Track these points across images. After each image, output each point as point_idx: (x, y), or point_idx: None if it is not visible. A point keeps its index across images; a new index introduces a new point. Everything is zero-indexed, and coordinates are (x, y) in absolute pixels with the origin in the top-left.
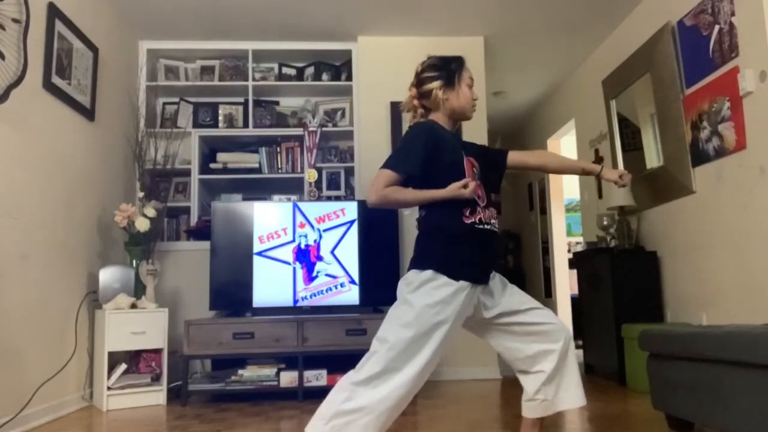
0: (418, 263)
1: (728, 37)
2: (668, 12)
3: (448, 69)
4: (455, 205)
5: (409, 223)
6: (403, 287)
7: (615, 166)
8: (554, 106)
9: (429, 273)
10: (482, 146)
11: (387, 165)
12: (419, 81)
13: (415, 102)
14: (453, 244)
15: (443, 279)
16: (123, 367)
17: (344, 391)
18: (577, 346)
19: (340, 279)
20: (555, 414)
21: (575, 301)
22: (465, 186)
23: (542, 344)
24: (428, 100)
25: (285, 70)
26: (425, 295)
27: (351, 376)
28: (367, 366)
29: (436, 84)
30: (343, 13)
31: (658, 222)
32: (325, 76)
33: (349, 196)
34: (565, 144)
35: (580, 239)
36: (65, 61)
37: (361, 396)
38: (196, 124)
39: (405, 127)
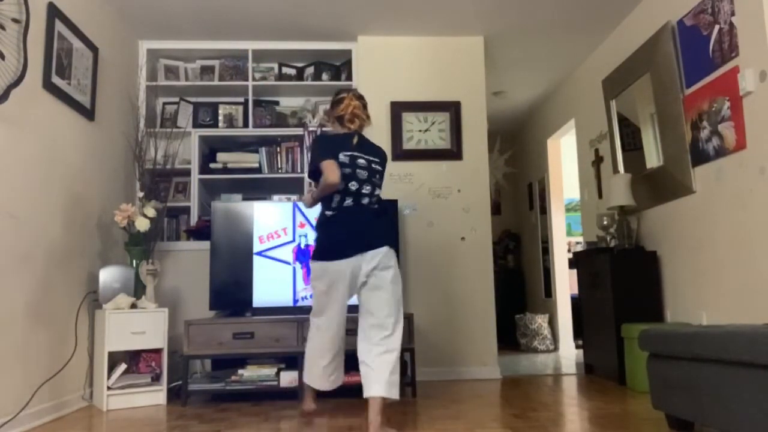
0: (393, 243)
1: (728, 36)
2: (668, 12)
3: None
4: None
5: (409, 223)
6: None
7: (615, 165)
8: (554, 106)
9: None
10: None
11: None
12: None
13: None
14: None
15: None
16: (123, 367)
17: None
18: (577, 346)
19: None
20: (555, 414)
21: (575, 301)
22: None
23: None
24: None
25: (285, 70)
26: None
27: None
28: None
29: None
30: (343, 13)
31: (658, 222)
32: (325, 76)
33: None
34: (565, 144)
35: (580, 239)
36: (65, 61)
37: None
38: (196, 124)
39: (405, 126)
